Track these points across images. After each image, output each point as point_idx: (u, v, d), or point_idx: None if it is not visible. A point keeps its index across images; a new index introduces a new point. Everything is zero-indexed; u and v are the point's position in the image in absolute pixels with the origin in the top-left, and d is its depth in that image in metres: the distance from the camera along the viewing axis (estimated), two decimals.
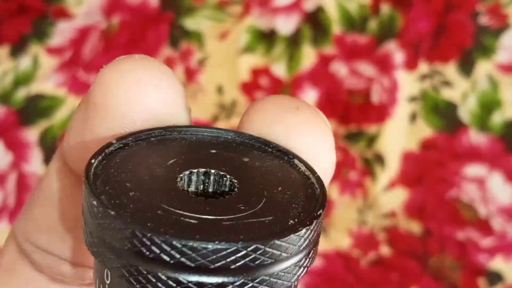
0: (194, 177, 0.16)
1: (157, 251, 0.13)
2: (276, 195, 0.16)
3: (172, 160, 0.16)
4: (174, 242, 0.13)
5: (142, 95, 0.16)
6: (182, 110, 0.17)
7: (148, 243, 0.14)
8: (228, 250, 0.13)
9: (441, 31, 0.58)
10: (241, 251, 0.14)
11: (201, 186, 0.16)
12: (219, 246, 0.13)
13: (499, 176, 0.54)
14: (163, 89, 0.17)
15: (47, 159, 0.57)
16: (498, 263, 0.52)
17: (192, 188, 0.16)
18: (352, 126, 0.57)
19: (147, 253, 0.14)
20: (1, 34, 0.62)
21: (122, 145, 0.16)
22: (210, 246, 0.13)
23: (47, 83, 0.59)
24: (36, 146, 0.57)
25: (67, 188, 0.18)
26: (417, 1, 0.59)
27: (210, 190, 0.16)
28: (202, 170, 0.16)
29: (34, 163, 0.57)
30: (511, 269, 0.52)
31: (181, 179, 0.16)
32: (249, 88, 0.59)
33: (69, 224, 0.18)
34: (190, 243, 0.13)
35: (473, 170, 0.54)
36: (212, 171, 0.16)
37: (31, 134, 0.58)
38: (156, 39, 0.61)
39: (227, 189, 0.16)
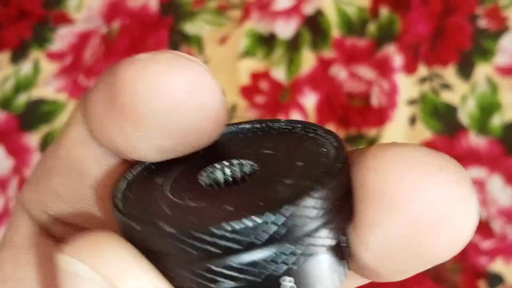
0: (214, 171, 0.16)
1: (201, 245, 0.13)
2: (298, 169, 0.15)
3: (190, 161, 0.16)
4: (215, 231, 0.13)
5: (177, 104, 0.15)
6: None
7: (189, 240, 0.13)
8: (268, 222, 0.13)
9: (440, 34, 0.58)
10: (281, 219, 0.13)
11: (223, 179, 0.16)
12: (259, 220, 0.13)
13: (499, 178, 0.54)
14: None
15: None
16: (498, 266, 0.52)
17: (214, 182, 0.16)
18: (352, 129, 0.57)
19: (192, 251, 0.13)
20: (1, 40, 0.62)
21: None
22: (251, 223, 0.13)
23: (48, 88, 0.60)
24: (37, 151, 0.58)
25: (98, 157, 0.17)
26: (416, 4, 0.59)
27: (232, 180, 0.16)
28: (221, 162, 0.16)
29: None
30: (511, 271, 0.52)
31: (202, 175, 0.16)
32: (249, 92, 0.59)
33: (101, 193, 0.17)
34: (234, 227, 0.13)
35: (473, 172, 0.55)
36: (234, 161, 0.16)
37: (32, 139, 0.58)
38: (156, 43, 0.61)
39: (247, 176, 0.16)
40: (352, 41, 0.60)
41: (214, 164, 0.16)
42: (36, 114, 0.59)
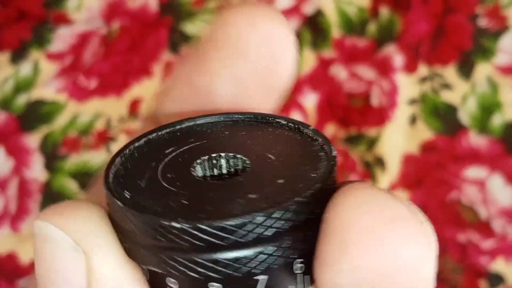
0: (207, 163, 0.17)
1: (187, 237, 0.14)
2: (289, 168, 0.16)
3: (185, 149, 0.17)
4: (202, 226, 0.14)
5: (260, 39, 0.18)
6: (289, 59, 0.19)
7: (176, 232, 0.14)
8: (255, 222, 0.14)
9: (440, 33, 0.58)
10: (265, 220, 0.14)
11: (216, 171, 0.17)
12: (245, 220, 0.14)
13: (500, 178, 0.54)
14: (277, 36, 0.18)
15: (48, 165, 0.57)
16: (499, 265, 0.52)
17: (208, 173, 0.17)
18: (352, 129, 0.57)
19: (178, 241, 0.14)
20: (1, 40, 0.62)
21: (139, 144, 0.17)
22: (237, 221, 0.14)
23: (48, 88, 0.60)
24: (37, 151, 0.58)
25: None
26: (416, 4, 0.59)
27: (225, 172, 0.17)
28: (214, 155, 0.17)
29: (35, 169, 0.57)
30: None
31: (195, 167, 0.16)
32: None
33: None
34: (219, 224, 0.14)
35: (474, 172, 0.54)
36: (223, 154, 0.17)
37: (32, 140, 0.58)
38: (156, 44, 0.61)
39: (239, 169, 0.17)
40: (352, 41, 0.60)
41: (210, 155, 0.17)
42: (36, 115, 0.59)
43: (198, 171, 0.17)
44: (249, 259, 0.14)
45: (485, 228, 0.53)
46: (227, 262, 0.14)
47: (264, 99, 0.19)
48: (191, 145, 0.17)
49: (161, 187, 0.15)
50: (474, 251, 0.52)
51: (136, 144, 0.17)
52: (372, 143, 0.56)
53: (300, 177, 0.15)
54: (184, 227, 0.14)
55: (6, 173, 0.57)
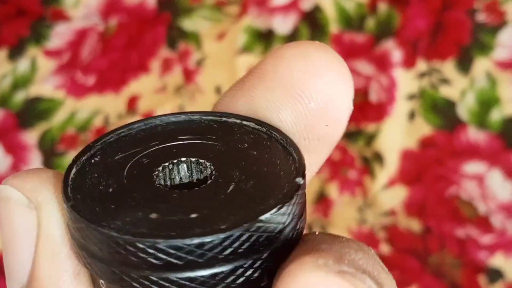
0: (169, 170, 0.16)
1: (143, 255, 0.13)
2: (254, 175, 0.15)
3: (146, 153, 0.16)
4: (158, 245, 0.13)
5: (316, 77, 0.16)
6: (345, 110, 0.17)
7: (132, 249, 0.13)
8: (213, 242, 0.13)
9: (438, 29, 0.58)
10: (225, 240, 0.13)
11: (178, 177, 0.16)
12: (204, 240, 0.13)
13: (499, 173, 0.54)
14: (337, 81, 0.16)
15: (46, 161, 0.57)
16: (498, 260, 0.52)
17: (170, 181, 0.16)
18: (350, 125, 0.57)
19: (134, 258, 0.13)
20: None
21: (100, 148, 0.16)
22: (195, 241, 0.13)
23: (46, 85, 0.59)
24: (35, 148, 0.57)
25: None
26: None
27: (188, 179, 0.16)
28: (176, 160, 0.16)
29: (34, 165, 0.57)
30: (511, 266, 0.52)
31: (158, 174, 0.16)
32: None
33: None
34: (174, 243, 0.13)
35: (472, 167, 0.54)
36: (184, 159, 0.16)
37: (30, 137, 0.58)
38: (154, 40, 0.61)
39: (203, 176, 0.16)
40: (350, 36, 0.59)
41: (170, 161, 0.16)
42: (33, 112, 0.59)
43: (161, 178, 0.16)
44: (205, 277, 0.14)
45: (484, 223, 0.53)
46: (183, 281, 0.13)
47: (311, 148, 0.18)
48: (154, 148, 0.16)
49: (122, 195, 0.15)
50: (473, 246, 0.52)
51: (98, 146, 0.16)
52: (370, 138, 0.56)
53: (262, 195, 0.15)
54: (141, 245, 0.13)
55: (5, 170, 0.57)
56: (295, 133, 0.17)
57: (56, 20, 0.62)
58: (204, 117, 0.17)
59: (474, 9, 0.58)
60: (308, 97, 0.16)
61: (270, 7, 0.60)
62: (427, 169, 0.55)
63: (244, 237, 0.14)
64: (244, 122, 0.17)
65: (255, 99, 0.17)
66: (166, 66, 0.60)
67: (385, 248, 0.53)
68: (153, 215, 0.14)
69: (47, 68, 0.60)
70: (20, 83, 0.60)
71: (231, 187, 0.15)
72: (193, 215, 0.14)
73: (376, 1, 0.60)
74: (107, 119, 0.58)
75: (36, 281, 0.16)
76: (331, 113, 0.16)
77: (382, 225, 0.54)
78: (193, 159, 0.16)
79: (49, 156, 0.57)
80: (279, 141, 0.16)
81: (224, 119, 0.17)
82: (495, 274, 0.52)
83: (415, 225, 0.54)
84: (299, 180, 0.15)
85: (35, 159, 0.57)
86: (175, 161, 0.16)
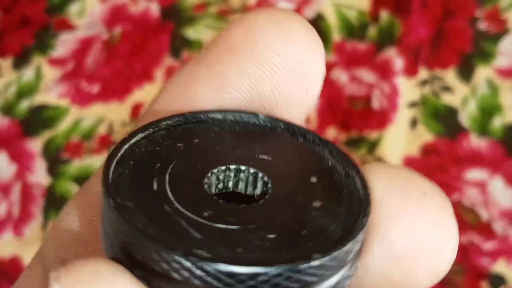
0: (221, 176, 0.14)
1: (186, 273, 0.12)
2: (314, 199, 0.14)
3: (198, 156, 0.14)
4: (187, 264, 0.11)
5: (295, 44, 0.15)
6: (318, 75, 0.16)
7: (165, 264, 0.12)
8: (259, 275, 0.12)
9: (440, 37, 0.59)
10: (266, 276, 0.12)
11: (231, 185, 0.14)
12: (244, 271, 0.11)
13: (500, 180, 0.54)
14: (313, 47, 0.16)
15: (51, 169, 0.57)
16: (500, 267, 0.52)
17: (220, 188, 0.14)
18: (353, 132, 0.57)
19: (160, 270, 0.12)
20: (4, 46, 0.62)
21: (143, 138, 0.14)
22: (235, 269, 0.11)
23: (50, 94, 0.60)
24: (40, 156, 0.58)
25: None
26: (416, 7, 0.59)
27: (241, 190, 0.14)
28: (232, 167, 0.14)
29: (38, 174, 0.57)
30: None
31: (208, 179, 0.14)
32: None
33: None
34: (228, 269, 0.11)
35: (474, 174, 0.55)
36: (243, 168, 0.14)
37: (35, 145, 0.58)
38: (158, 49, 0.61)
39: (259, 191, 0.14)
40: (352, 44, 0.60)
41: (220, 168, 0.14)
42: (38, 120, 0.59)
43: (212, 186, 0.14)
44: None
45: (486, 230, 0.53)
46: None
47: (285, 113, 0.16)
48: (199, 148, 0.14)
49: (167, 201, 0.13)
50: (475, 253, 0.53)
51: (133, 141, 0.14)
52: (373, 146, 0.57)
53: (329, 223, 0.13)
54: (186, 264, 0.12)
55: (9, 177, 0.57)
56: (275, 103, 0.16)
57: (61, 29, 0.62)
58: (266, 121, 0.15)
59: (475, 18, 0.59)
60: (288, 66, 0.15)
61: None
62: (430, 176, 0.55)
63: (287, 278, 0.12)
64: (308, 136, 0.15)
65: (224, 74, 0.15)
66: (170, 74, 0.60)
67: None
68: (231, 232, 0.12)
69: (52, 76, 0.60)
70: (25, 91, 0.60)
71: (282, 213, 0.13)
72: (249, 239, 0.12)
73: (377, 10, 0.60)
74: (111, 127, 0.58)
75: None
76: (310, 78, 0.16)
77: None
78: (248, 169, 0.14)
79: (54, 164, 0.57)
80: (341, 166, 0.15)
81: (287, 127, 0.15)
82: (498, 281, 0.52)
83: None
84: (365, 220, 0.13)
85: (39, 167, 0.57)
86: (231, 167, 0.14)
